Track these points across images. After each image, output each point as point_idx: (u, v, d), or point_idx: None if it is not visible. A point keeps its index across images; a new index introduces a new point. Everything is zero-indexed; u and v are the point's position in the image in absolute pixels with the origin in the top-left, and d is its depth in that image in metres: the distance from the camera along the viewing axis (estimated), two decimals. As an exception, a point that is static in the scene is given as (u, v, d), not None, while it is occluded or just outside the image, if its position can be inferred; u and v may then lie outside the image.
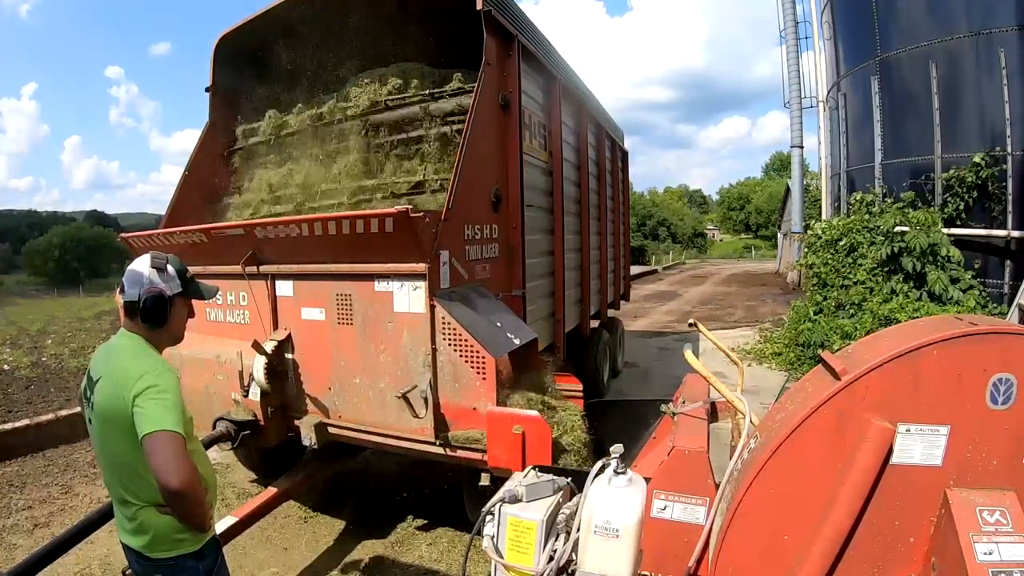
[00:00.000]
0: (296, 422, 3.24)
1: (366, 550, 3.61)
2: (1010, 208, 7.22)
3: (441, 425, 2.83)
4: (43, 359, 7.79)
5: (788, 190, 22.50)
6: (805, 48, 15.14)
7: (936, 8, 8.02)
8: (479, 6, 3.15)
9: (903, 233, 7.37)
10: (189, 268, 1.89)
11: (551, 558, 1.59)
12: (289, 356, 3.21)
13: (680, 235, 55.41)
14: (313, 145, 4.13)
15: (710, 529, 1.66)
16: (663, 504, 1.78)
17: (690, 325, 3.08)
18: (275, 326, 3.26)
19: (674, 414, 2.24)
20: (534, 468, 1.87)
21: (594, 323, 6.28)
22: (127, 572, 1.85)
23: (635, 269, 19.93)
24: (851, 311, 7.74)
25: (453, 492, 3.82)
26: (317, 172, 4.05)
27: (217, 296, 3.36)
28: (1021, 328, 1.74)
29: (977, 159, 7.28)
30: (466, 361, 2.71)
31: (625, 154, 8.26)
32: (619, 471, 1.61)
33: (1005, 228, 7.28)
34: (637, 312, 13.81)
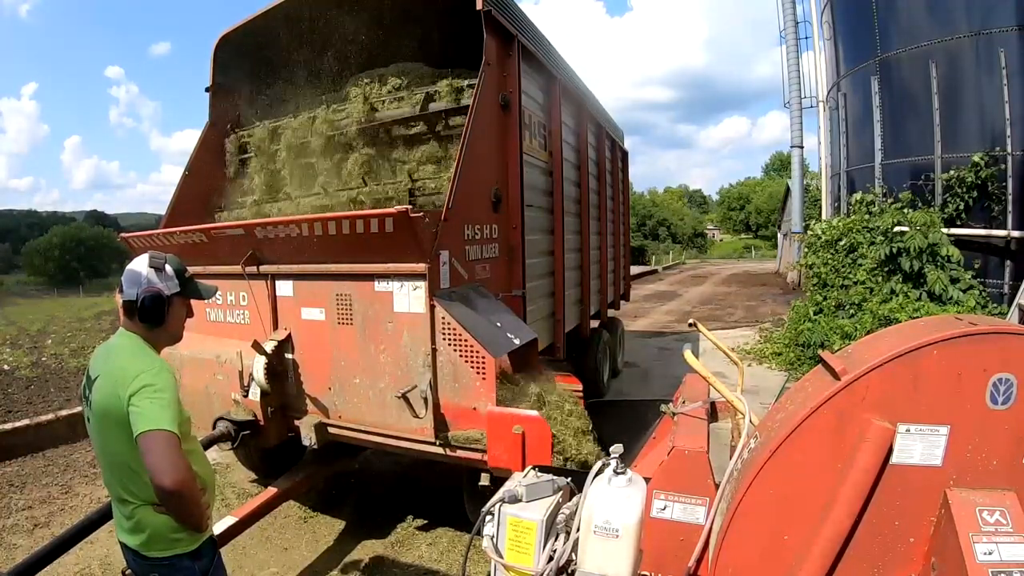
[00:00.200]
0: (296, 422, 3.24)
1: (366, 550, 3.61)
2: (1010, 208, 7.22)
3: (441, 425, 2.82)
4: (43, 359, 7.79)
5: (788, 190, 22.50)
6: (805, 48, 15.16)
7: (936, 8, 8.02)
8: (479, 6, 3.14)
9: (902, 233, 7.37)
10: (189, 268, 1.89)
11: (551, 558, 1.59)
12: (289, 356, 3.21)
13: (680, 235, 55.40)
14: (313, 145, 4.13)
15: (710, 529, 1.66)
16: (663, 504, 1.78)
17: (690, 325, 3.07)
18: (275, 326, 3.26)
19: (674, 414, 2.24)
20: (534, 468, 1.87)
21: (594, 323, 6.28)
22: (127, 572, 1.85)
23: (635, 269, 19.93)
24: (851, 311, 7.74)
25: (453, 492, 3.82)
26: (316, 172, 4.06)
27: (217, 296, 3.38)
28: (1021, 328, 1.74)
29: (977, 159, 7.28)
30: (466, 361, 2.71)
31: (625, 154, 8.26)
32: (619, 471, 1.61)
33: (1005, 228, 7.28)
34: (637, 312, 13.81)
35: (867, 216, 8.21)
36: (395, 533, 3.79)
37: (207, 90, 4.43)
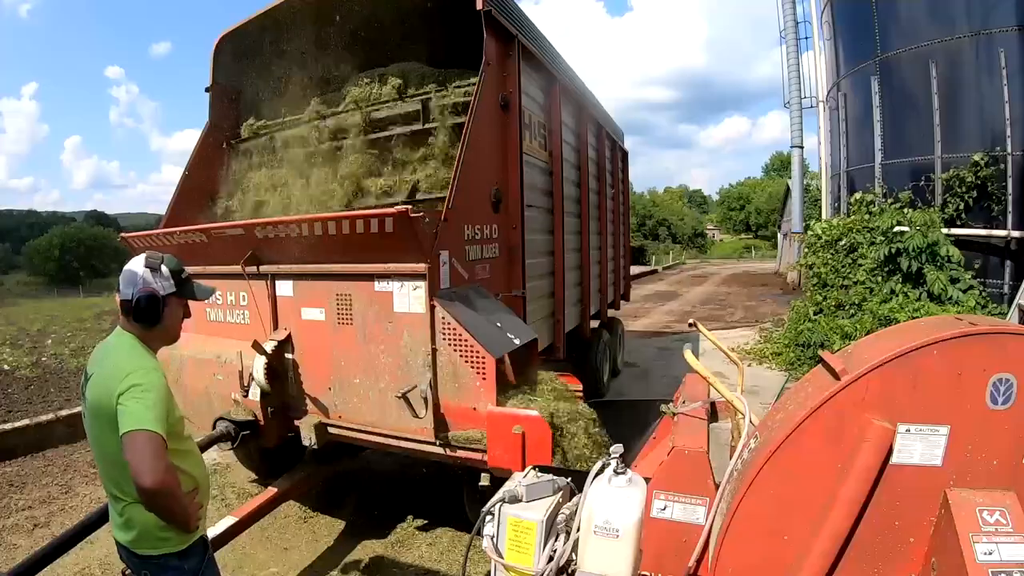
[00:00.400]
0: (296, 422, 3.24)
1: (366, 550, 3.61)
2: (1010, 208, 7.22)
3: (441, 425, 2.83)
4: (43, 359, 7.79)
5: (788, 190, 22.51)
6: (805, 48, 15.18)
7: (936, 8, 8.02)
8: (479, 6, 3.14)
9: (902, 233, 7.37)
10: (189, 268, 1.89)
11: (551, 558, 1.59)
12: (289, 356, 3.21)
13: (680, 235, 55.38)
14: (313, 145, 4.13)
15: (710, 529, 1.66)
16: (663, 504, 1.78)
17: (690, 325, 3.07)
18: (275, 326, 3.26)
19: (674, 414, 2.24)
20: (534, 468, 1.87)
21: (594, 323, 6.28)
22: (127, 573, 1.86)
23: (635, 269, 19.93)
24: (851, 311, 7.74)
25: (453, 492, 3.82)
26: (316, 172, 4.05)
27: (217, 296, 3.38)
28: (1021, 328, 1.74)
29: (977, 159, 7.28)
30: (466, 361, 2.71)
31: (625, 154, 8.26)
32: (619, 471, 1.61)
33: (1005, 228, 7.28)
34: (637, 312, 13.81)
35: (867, 216, 8.21)
36: (395, 533, 3.79)
37: (207, 90, 4.43)
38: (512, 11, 3.59)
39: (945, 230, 7.43)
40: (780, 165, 57.31)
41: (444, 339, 2.74)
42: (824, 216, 11.79)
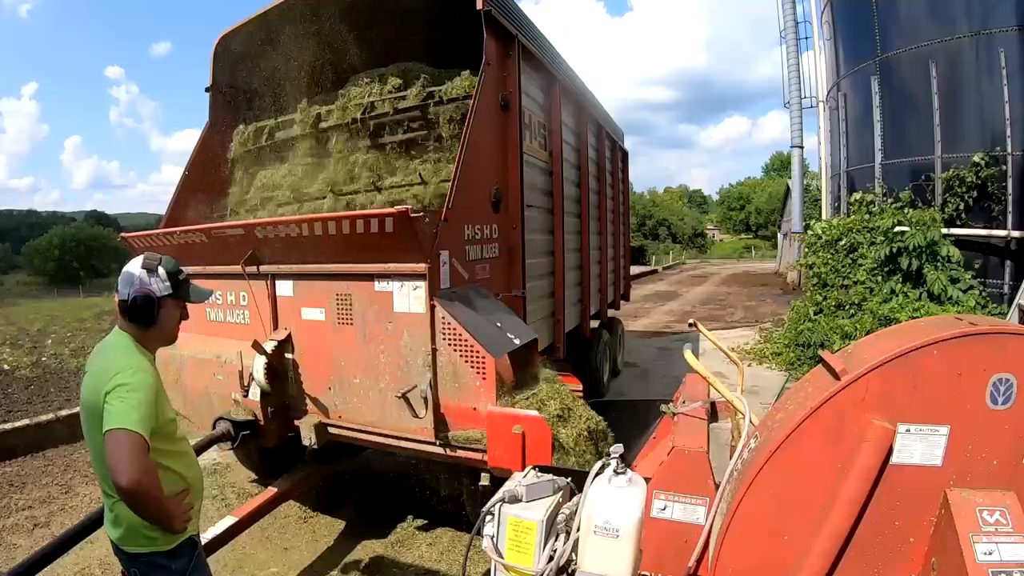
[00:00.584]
0: (296, 422, 3.23)
1: (366, 550, 3.61)
2: (1010, 208, 7.22)
3: (441, 425, 2.82)
4: (43, 359, 7.79)
5: (788, 190, 22.51)
6: (805, 48, 15.18)
7: (936, 8, 8.02)
8: (479, 6, 3.14)
9: (902, 233, 7.37)
10: (189, 268, 1.90)
11: (551, 558, 1.59)
12: (289, 356, 3.21)
13: (680, 235, 55.38)
14: (312, 145, 4.13)
15: (710, 529, 1.66)
16: (663, 504, 1.78)
17: (690, 325, 3.07)
18: (275, 326, 3.26)
19: (674, 414, 2.24)
20: (534, 468, 1.87)
21: (594, 323, 6.28)
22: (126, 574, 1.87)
23: (635, 269, 19.94)
24: (851, 311, 7.74)
25: (453, 492, 3.82)
26: (316, 172, 4.06)
27: (217, 296, 3.38)
28: (1021, 328, 1.74)
29: (977, 159, 7.28)
30: (466, 361, 2.70)
31: (625, 154, 8.26)
32: (619, 471, 1.61)
33: (1005, 228, 7.28)
34: (637, 312, 13.81)
35: (867, 216, 8.21)
36: (395, 533, 3.79)
37: (207, 90, 4.43)
38: (512, 11, 3.59)
39: (945, 230, 7.43)
40: (780, 165, 57.30)
41: (444, 339, 2.74)
42: (824, 216, 11.79)
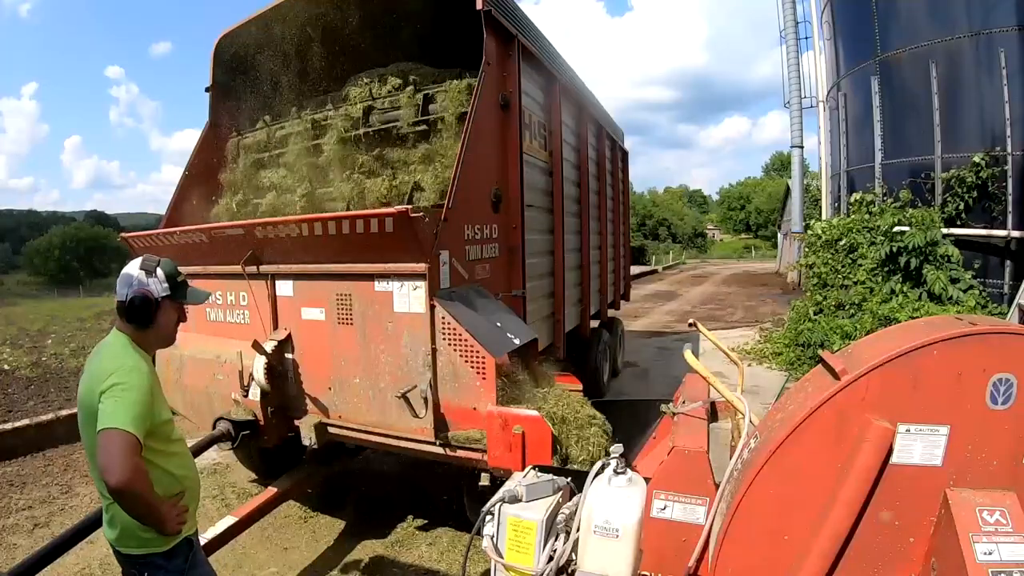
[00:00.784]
0: (296, 422, 3.24)
1: (366, 550, 3.61)
2: (1010, 208, 7.22)
3: (441, 425, 2.82)
4: (43, 359, 7.79)
5: (788, 190, 22.50)
6: (805, 48, 15.17)
7: (936, 8, 8.02)
8: (479, 6, 3.14)
9: (902, 233, 7.37)
10: (190, 268, 1.91)
11: (551, 558, 1.60)
12: (289, 356, 3.21)
13: (680, 235, 55.41)
14: (312, 145, 4.12)
15: (710, 529, 1.66)
16: (663, 504, 1.78)
17: (690, 325, 3.07)
18: (275, 326, 3.26)
19: (674, 414, 2.24)
20: (534, 468, 1.87)
21: (594, 323, 6.28)
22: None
23: (635, 269, 19.94)
24: (851, 311, 7.74)
25: (453, 492, 3.82)
26: (316, 172, 4.05)
27: (217, 297, 3.38)
28: (1021, 328, 1.74)
29: (977, 159, 7.28)
30: (466, 361, 2.70)
31: (625, 154, 8.26)
32: (619, 471, 1.61)
33: (1005, 228, 7.28)
34: (637, 312, 13.81)
35: (867, 216, 8.21)
36: (395, 533, 3.79)
37: (207, 90, 4.43)
38: (512, 11, 3.59)
39: (945, 230, 7.43)
40: (780, 165, 57.31)
41: (444, 339, 2.74)
42: (824, 216, 11.78)
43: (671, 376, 7.21)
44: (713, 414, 2.37)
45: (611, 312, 7.46)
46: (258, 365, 3.04)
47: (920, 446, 1.38)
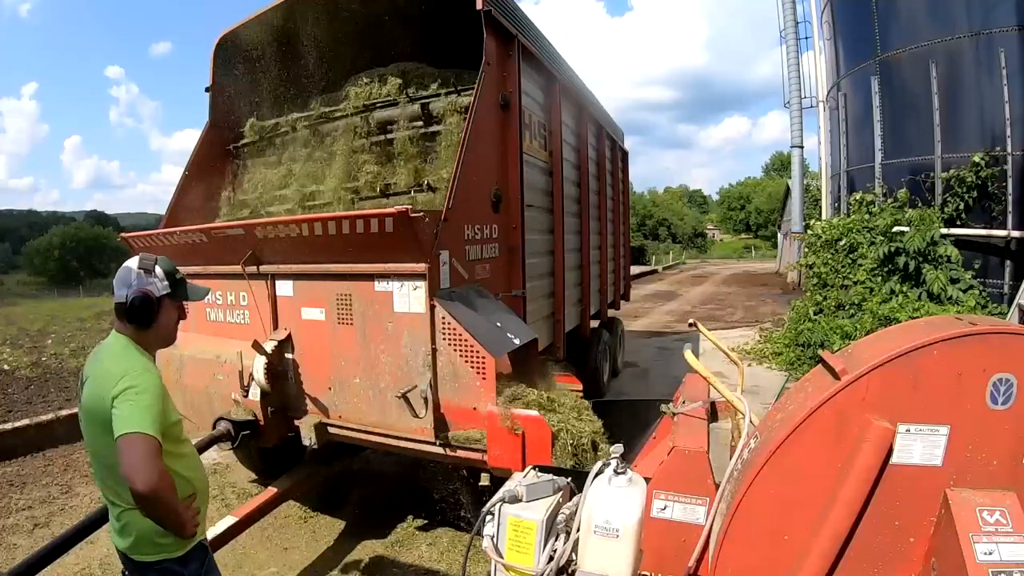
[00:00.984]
0: (296, 422, 3.24)
1: (366, 550, 3.61)
2: (1010, 208, 7.22)
3: (441, 425, 2.82)
4: (43, 359, 7.79)
5: (788, 190, 22.50)
6: (805, 48, 15.16)
7: (936, 8, 8.01)
8: (479, 6, 3.14)
9: (902, 233, 7.37)
10: (189, 268, 1.89)
11: (551, 558, 1.60)
12: (289, 356, 3.21)
13: (680, 235, 55.43)
14: (312, 145, 4.13)
15: (710, 529, 1.66)
16: (663, 504, 1.78)
17: (690, 325, 3.07)
18: (275, 326, 3.26)
19: (674, 414, 2.24)
20: (534, 468, 1.87)
21: (594, 323, 6.28)
22: (127, 574, 1.85)
23: (635, 269, 19.94)
24: (851, 311, 7.74)
25: (453, 492, 3.82)
26: (316, 172, 4.06)
27: (217, 297, 3.38)
28: (1021, 328, 1.74)
29: (977, 159, 7.27)
30: (466, 361, 2.71)
31: (625, 154, 8.26)
32: (619, 471, 1.61)
33: (1005, 228, 7.28)
34: (637, 312, 13.81)
35: (867, 216, 8.21)
36: (395, 533, 3.79)
37: (207, 90, 4.42)
38: (512, 11, 3.59)
39: (945, 230, 7.43)
40: (780, 165, 57.30)
41: (444, 339, 2.74)
42: (824, 216, 11.78)
43: (671, 376, 7.21)
44: (713, 414, 2.37)
45: (611, 312, 7.46)
46: (258, 365, 3.04)
47: (920, 446, 1.38)
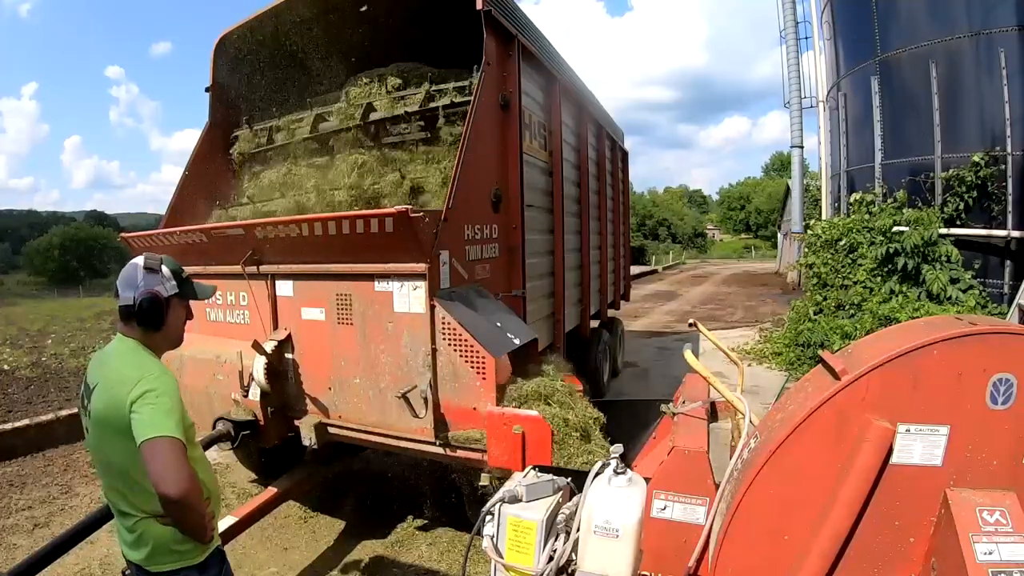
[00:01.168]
0: (296, 422, 3.24)
1: (366, 550, 3.61)
2: (1010, 208, 7.22)
3: (441, 425, 2.83)
4: (43, 359, 7.79)
5: (788, 190, 22.50)
6: (805, 48, 15.17)
7: (936, 8, 8.01)
8: (479, 6, 3.14)
9: (901, 233, 7.38)
10: (189, 268, 1.87)
11: (551, 558, 1.59)
12: (289, 356, 3.21)
13: (680, 235, 55.44)
14: (312, 145, 4.13)
15: (710, 529, 1.66)
16: (663, 504, 1.78)
17: (690, 325, 3.07)
18: (275, 326, 3.26)
19: (674, 414, 2.24)
20: (534, 468, 1.87)
21: (594, 323, 6.28)
22: (127, 572, 1.84)
23: (635, 269, 19.94)
24: (851, 311, 7.75)
25: (453, 492, 3.82)
26: (316, 172, 4.06)
27: (217, 296, 3.38)
28: (1021, 328, 1.74)
29: (977, 159, 7.28)
30: (466, 361, 2.71)
31: (625, 154, 8.26)
32: (619, 471, 1.61)
33: (1005, 228, 7.28)
34: (637, 312, 13.81)
35: (867, 216, 8.21)
36: (395, 533, 3.79)
37: (207, 90, 4.43)
38: (512, 11, 3.59)
39: (945, 230, 7.43)
40: (780, 165, 57.29)
41: (444, 339, 2.74)
42: (824, 216, 11.78)
43: (671, 376, 7.21)
44: (713, 414, 2.37)
45: (611, 312, 7.46)
46: (258, 365, 3.04)
47: (920, 446, 1.38)
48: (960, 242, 7.38)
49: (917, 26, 8.15)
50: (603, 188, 6.42)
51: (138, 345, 1.69)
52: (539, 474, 1.81)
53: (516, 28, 3.55)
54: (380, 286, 2.86)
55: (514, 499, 1.67)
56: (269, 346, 3.09)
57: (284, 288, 3.21)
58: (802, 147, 15.99)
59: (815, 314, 8.24)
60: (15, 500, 4.29)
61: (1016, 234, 7.19)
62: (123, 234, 3.72)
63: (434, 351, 2.76)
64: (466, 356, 2.70)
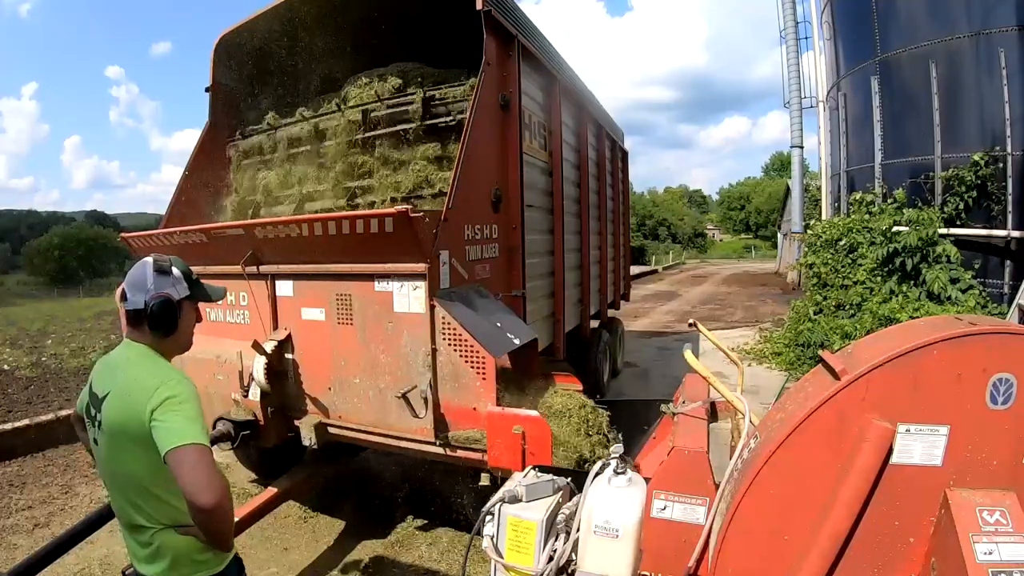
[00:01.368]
0: (296, 422, 3.24)
1: (366, 550, 3.61)
2: (1010, 208, 7.22)
3: (441, 425, 2.83)
4: (43, 359, 7.79)
5: (788, 190, 22.52)
6: (805, 48, 15.19)
7: (936, 8, 8.02)
8: (479, 6, 3.14)
9: (900, 233, 7.38)
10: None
11: (551, 558, 1.60)
12: (289, 356, 3.21)
13: (680, 235, 55.45)
14: (312, 145, 4.13)
15: (710, 529, 1.66)
16: (663, 504, 1.78)
17: (690, 325, 3.07)
18: (275, 326, 3.26)
19: (674, 414, 2.24)
20: (534, 468, 1.87)
21: (594, 323, 6.28)
22: (127, 572, 1.83)
23: (635, 269, 19.95)
24: (851, 311, 7.75)
25: (453, 492, 3.82)
26: (316, 172, 4.06)
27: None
28: (1021, 328, 1.74)
29: (977, 159, 7.28)
30: (466, 361, 2.71)
31: (625, 154, 8.26)
32: (619, 471, 1.61)
33: (1005, 228, 7.28)
34: (637, 312, 13.82)
35: (867, 216, 8.22)
36: (395, 533, 3.79)
37: (207, 90, 4.43)
38: (512, 11, 3.59)
39: (945, 230, 7.43)
40: (780, 165, 57.33)
41: (444, 339, 2.74)
42: (824, 216, 11.78)
43: (671, 376, 7.21)
44: (713, 414, 2.37)
45: (611, 312, 7.46)
46: (258, 365, 3.04)
47: (920, 446, 1.38)
48: (960, 242, 7.38)
49: (917, 26, 8.15)
50: (603, 188, 6.42)
51: (149, 350, 1.62)
52: (539, 474, 1.81)
53: (516, 28, 3.55)
54: (380, 286, 2.86)
55: (514, 499, 1.67)
56: (269, 346, 3.09)
57: (284, 288, 3.21)
58: (802, 147, 16.00)
59: (815, 314, 8.24)
60: (15, 500, 4.30)
61: (1016, 234, 7.19)
62: (123, 234, 3.72)
63: (434, 351, 2.76)
64: (466, 356, 2.70)
